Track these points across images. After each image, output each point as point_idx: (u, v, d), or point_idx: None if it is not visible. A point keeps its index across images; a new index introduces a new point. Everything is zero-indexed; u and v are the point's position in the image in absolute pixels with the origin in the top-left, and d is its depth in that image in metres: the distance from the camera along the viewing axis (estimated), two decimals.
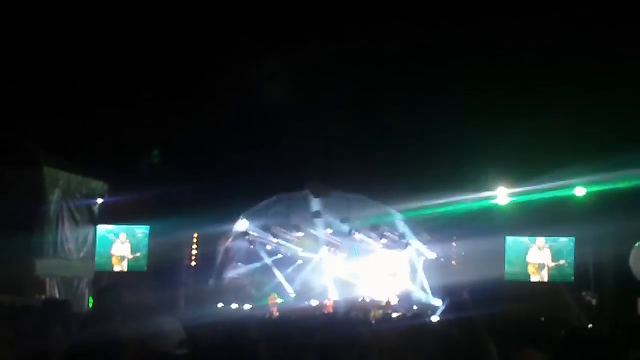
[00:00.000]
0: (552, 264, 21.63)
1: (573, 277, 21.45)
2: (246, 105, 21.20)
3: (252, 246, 27.32)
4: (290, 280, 28.19)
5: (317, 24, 18.64)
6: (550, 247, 21.89)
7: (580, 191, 20.82)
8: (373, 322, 13.77)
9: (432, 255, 27.21)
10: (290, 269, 28.46)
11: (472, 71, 19.62)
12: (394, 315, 19.90)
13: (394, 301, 25.11)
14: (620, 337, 7.35)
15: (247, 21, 18.69)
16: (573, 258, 21.65)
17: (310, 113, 21.35)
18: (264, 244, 27.67)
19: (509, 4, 17.77)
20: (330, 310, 22.77)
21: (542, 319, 13.59)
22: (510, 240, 22.63)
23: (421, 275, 27.16)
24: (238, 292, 26.05)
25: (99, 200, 20.31)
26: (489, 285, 19.53)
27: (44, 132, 18.59)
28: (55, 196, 18.30)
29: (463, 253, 25.33)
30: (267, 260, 27.82)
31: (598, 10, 17.36)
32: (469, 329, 4.51)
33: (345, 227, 26.64)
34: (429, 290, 26.13)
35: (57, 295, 17.93)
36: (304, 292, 27.90)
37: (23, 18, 17.16)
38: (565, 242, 22.05)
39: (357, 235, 27.41)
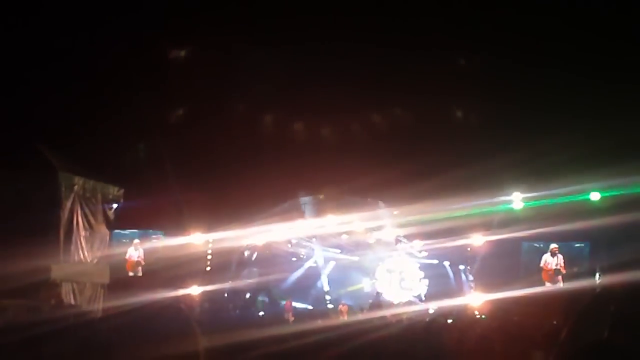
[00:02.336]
0: (566, 270, 21.52)
1: (588, 283, 21.33)
2: (258, 111, 21.24)
3: (267, 251, 27.39)
4: (305, 285, 28.25)
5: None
6: (565, 253, 21.80)
7: (595, 196, 20.76)
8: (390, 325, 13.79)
9: (446, 261, 27.24)
10: (305, 275, 28.53)
11: (488, 80, 19.61)
12: (410, 319, 19.89)
13: (410, 306, 25.11)
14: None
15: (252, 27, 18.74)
16: (588, 263, 21.55)
17: (326, 119, 21.38)
18: (279, 249, 27.73)
19: (507, 11, 17.74)
20: (345, 315, 22.80)
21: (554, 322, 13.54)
22: (525, 246, 22.57)
23: (437, 281, 27.20)
24: (253, 297, 26.09)
25: (114, 206, 20.35)
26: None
27: (60, 137, 18.66)
28: (70, 201, 18.34)
29: (478, 258, 25.31)
30: (282, 266, 27.89)
31: (614, 16, 17.33)
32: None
33: (360, 233, 26.68)
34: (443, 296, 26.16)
35: (72, 301, 17.98)
36: (319, 296, 27.97)
37: (37, 24, 17.24)
38: (580, 247, 21.96)
39: (373, 242, 27.45)
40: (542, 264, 21.75)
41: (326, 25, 18.51)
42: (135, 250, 22.92)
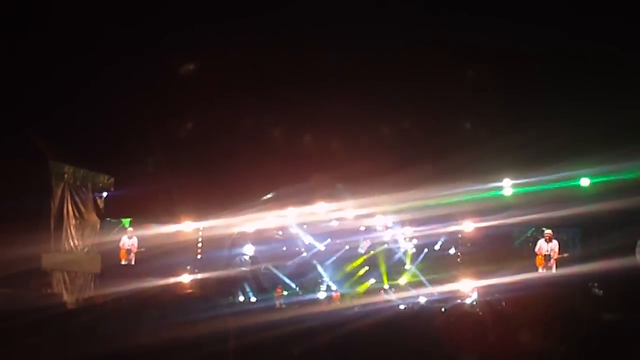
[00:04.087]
0: (558, 255, 21.58)
1: (579, 268, 21.41)
2: (250, 100, 21.21)
3: (258, 239, 27.37)
4: (296, 272, 28.27)
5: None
6: (556, 239, 21.85)
7: (585, 182, 20.82)
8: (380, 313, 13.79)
9: (437, 247, 27.26)
10: (296, 262, 28.55)
11: (478, 68, 19.64)
12: (402, 307, 19.93)
13: (402, 293, 25.18)
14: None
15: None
16: (579, 249, 21.63)
17: (318, 108, 21.37)
18: (270, 237, 27.73)
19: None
20: (337, 302, 22.84)
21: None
22: (517, 231, 22.64)
23: (427, 268, 27.24)
24: (244, 284, 26.06)
25: (105, 194, 20.33)
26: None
27: (50, 125, 18.59)
28: (60, 190, 18.30)
29: (469, 244, 25.38)
30: (274, 254, 27.89)
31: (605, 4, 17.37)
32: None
33: (350, 220, 26.68)
34: (434, 283, 26.22)
35: (63, 290, 17.96)
36: (310, 284, 27.99)
37: (27, 13, 17.16)
38: (572, 233, 22.03)
39: (364, 229, 27.47)
40: (536, 250, 21.81)
41: (320, 24, 18.53)
42: (129, 238, 22.92)
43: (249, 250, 27.20)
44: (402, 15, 18.38)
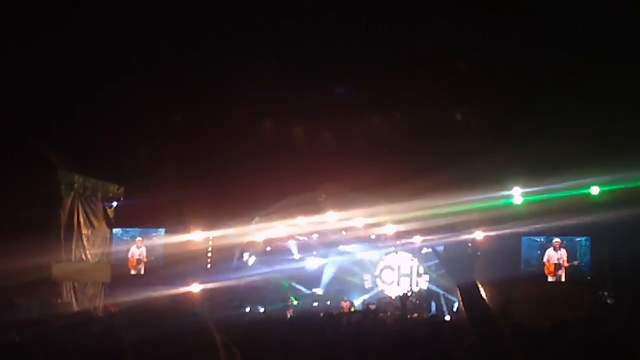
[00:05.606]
0: (568, 264, 21.49)
1: (590, 277, 21.33)
2: (259, 109, 21.23)
3: (268, 248, 27.35)
4: (306, 282, 28.24)
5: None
6: (566, 247, 21.76)
7: (595, 190, 20.73)
8: (389, 322, 13.76)
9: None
10: (307, 272, 28.53)
11: (486, 76, 19.62)
12: (410, 316, 19.88)
13: (411, 302, 25.09)
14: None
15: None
16: (589, 257, 21.52)
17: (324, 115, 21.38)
18: (280, 247, 27.70)
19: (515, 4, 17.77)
20: (347, 311, 22.78)
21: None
22: (526, 240, 22.53)
23: (436, 277, 27.18)
24: (254, 294, 26.05)
25: (115, 204, 20.36)
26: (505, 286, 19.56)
27: (59, 135, 18.65)
28: (70, 199, 18.34)
29: (479, 253, 25.29)
30: (284, 264, 27.87)
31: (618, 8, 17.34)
32: (485, 329, 4.45)
33: (360, 229, 26.64)
34: (442, 291, 26.17)
35: (72, 299, 17.99)
36: (321, 294, 27.96)
37: (39, 19, 17.21)
38: (581, 241, 21.92)
39: (374, 238, 27.41)
40: (545, 259, 21.72)
41: (322, 26, 18.53)
42: (138, 248, 22.92)
43: (259, 259, 27.20)
44: (416, 27, 18.42)
